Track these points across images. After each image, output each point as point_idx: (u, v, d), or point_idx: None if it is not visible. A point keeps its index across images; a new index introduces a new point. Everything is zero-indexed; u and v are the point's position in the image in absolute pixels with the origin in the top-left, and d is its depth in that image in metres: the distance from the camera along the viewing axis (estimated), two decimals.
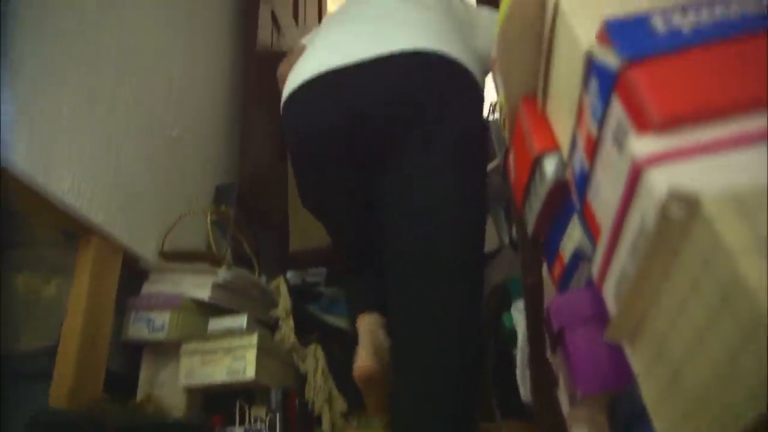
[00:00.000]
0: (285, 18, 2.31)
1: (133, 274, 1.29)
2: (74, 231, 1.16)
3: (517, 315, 1.02)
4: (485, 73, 1.23)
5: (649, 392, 0.41)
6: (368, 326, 1.14)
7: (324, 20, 1.37)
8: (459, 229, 1.00)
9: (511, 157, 0.73)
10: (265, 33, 2.08)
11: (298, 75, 1.19)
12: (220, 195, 1.65)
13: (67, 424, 0.87)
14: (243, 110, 1.92)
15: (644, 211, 0.38)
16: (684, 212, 0.30)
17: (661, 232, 0.32)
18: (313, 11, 2.79)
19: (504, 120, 0.76)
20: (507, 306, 1.14)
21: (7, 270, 1.24)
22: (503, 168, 1.15)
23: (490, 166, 1.18)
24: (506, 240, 1.13)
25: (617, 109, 0.42)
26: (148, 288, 1.29)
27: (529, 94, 0.63)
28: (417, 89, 1.08)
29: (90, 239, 1.16)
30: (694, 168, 0.36)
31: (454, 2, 1.33)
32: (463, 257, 1.00)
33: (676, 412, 0.37)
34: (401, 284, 1.05)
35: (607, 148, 0.45)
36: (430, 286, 1.01)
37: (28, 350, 1.14)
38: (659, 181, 0.35)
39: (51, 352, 1.08)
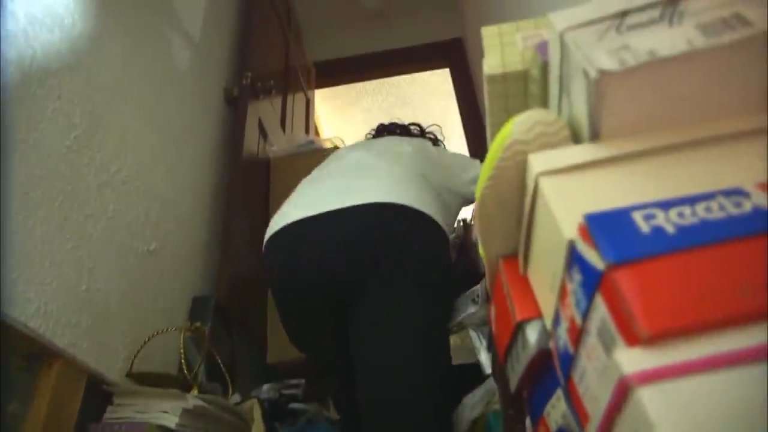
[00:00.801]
0: (272, 125, 2.35)
1: (98, 396, 1.22)
2: (37, 354, 1.10)
3: None
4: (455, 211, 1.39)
5: None
6: None
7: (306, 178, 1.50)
8: (421, 363, 1.09)
9: (492, 311, 0.71)
10: (251, 140, 2.11)
11: (270, 227, 1.33)
12: (196, 307, 1.61)
13: None
14: (225, 218, 1.92)
15: (635, 428, 0.36)
16: None
17: None
18: (300, 118, 2.86)
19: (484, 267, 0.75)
20: None
21: None
22: (484, 295, 1.14)
23: (473, 293, 1.16)
24: (488, 369, 1.10)
25: (602, 310, 0.40)
26: (111, 413, 1.22)
27: (509, 255, 0.62)
28: (375, 235, 1.17)
29: (52, 363, 1.10)
30: (684, 389, 0.34)
31: (428, 157, 1.43)
32: (425, 380, 1.08)
33: None
34: (370, 404, 1.12)
35: (593, 342, 0.43)
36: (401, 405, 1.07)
37: None
38: (652, 407, 0.33)
39: None
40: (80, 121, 1.26)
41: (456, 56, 3.47)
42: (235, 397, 1.46)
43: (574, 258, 0.43)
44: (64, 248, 1.15)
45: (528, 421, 0.76)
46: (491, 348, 1.09)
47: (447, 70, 3.65)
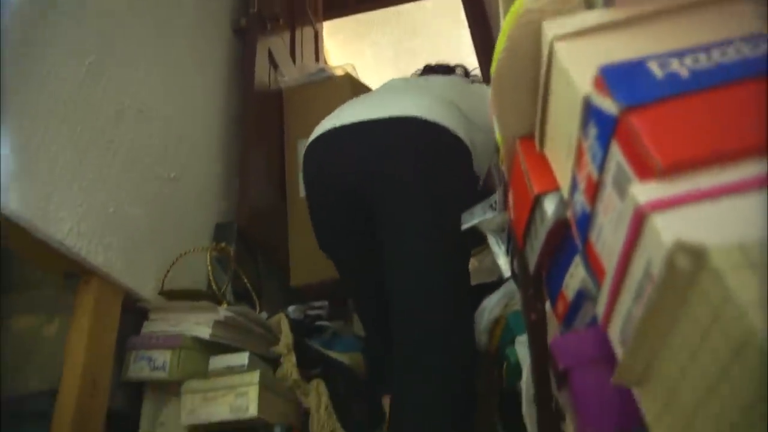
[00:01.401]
0: (282, 56, 2.34)
1: (133, 314, 1.29)
2: (75, 272, 1.16)
3: (521, 348, 1.01)
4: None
5: None
6: None
7: None
8: (442, 268, 1.20)
9: (510, 195, 0.73)
10: (262, 71, 2.11)
11: (311, 134, 1.45)
12: (219, 233, 1.65)
13: None
14: (241, 148, 1.94)
15: (649, 258, 0.38)
16: (691, 263, 0.30)
17: (667, 282, 0.32)
18: (309, 49, 2.83)
19: (502, 158, 0.77)
20: (510, 339, 1.13)
21: (8, 312, 1.23)
22: (503, 203, 1.16)
23: (491, 199, 1.19)
24: (507, 273, 1.13)
25: (617, 155, 0.42)
26: (148, 327, 1.28)
27: (526, 134, 0.63)
28: (402, 143, 1.28)
29: (90, 280, 1.16)
30: (699, 214, 0.36)
31: (461, 88, 1.54)
32: (446, 283, 1.20)
33: None
34: (399, 314, 1.22)
35: (609, 193, 0.45)
36: (423, 314, 1.19)
37: (29, 391, 1.13)
38: (665, 228, 0.35)
39: (52, 393, 1.07)
40: (93, 48, 1.27)
41: None
42: (263, 315, 1.52)
43: (589, 112, 0.45)
44: (90, 173, 1.19)
45: (548, 304, 0.80)
46: (509, 251, 1.12)
47: None
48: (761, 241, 0.28)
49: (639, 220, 0.38)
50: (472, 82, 1.75)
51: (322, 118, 1.70)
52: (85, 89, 1.22)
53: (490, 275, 1.40)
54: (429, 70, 1.84)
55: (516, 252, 0.77)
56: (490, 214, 1.18)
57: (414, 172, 1.26)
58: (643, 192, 0.38)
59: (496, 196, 1.20)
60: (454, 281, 1.24)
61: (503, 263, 1.18)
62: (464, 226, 1.21)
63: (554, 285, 0.71)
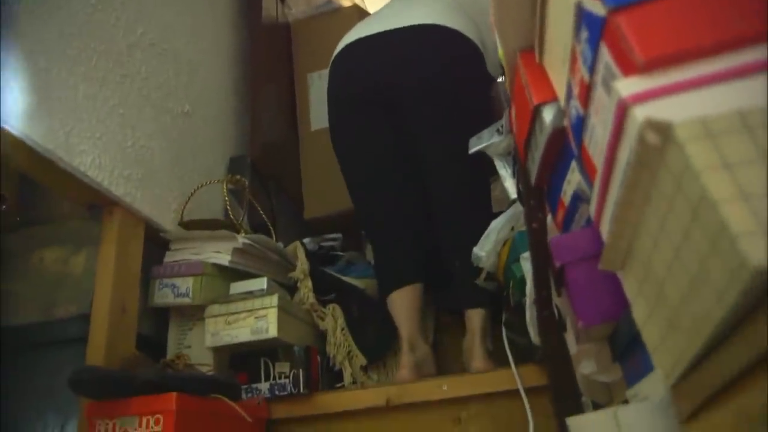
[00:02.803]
0: None
1: (155, 244, 1.34)
2: (98, 204, 1.21)
3: (525, 264, 1.06)
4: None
5: (639, 312, 0.45)
6: (406, 319, 1.41)
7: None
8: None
9: (513, 111, 0.76)
10: (269, 4, 2.09)
11: (343, 41, 1.55)
12: (233, 166, 1.69)
13: (105, 378, 0.93)
14: (251, 82, 1.95)
15: (630, 144, 0.42)
16: (659, 138, 0.33)
17: (640, 159, 0.36)
18: None
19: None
20: (516, 258, 1.18)
21: (38, 244, 1.30)
22: (508, 125, 1.18)
23: (497, 124, 1.21)
24: (513, 194, 1.17)
25: (605, 55, 0.45)
26: (170, 257, 1.34)
27: (527, 48, 0.66)
28: (424, 48, 1.44)
29: (113, 211, 1.21)
30: (674, 102, 0.39)
31: None
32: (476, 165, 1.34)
33: (662, 326, 0.41)
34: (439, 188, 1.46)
35: (599, 93, 0.48)
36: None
37: (64, 317, 1.20)
38: (641, 114, 0.39)
39: (85, 318, 1.14)
40: None
41: None
42: (279, 245, 1.58)
43: (581, 16, 0.48)
44: (107, 105, 1.22)
45: (549, 217, 0.84)
46: (515, 173, 1.16)
47: None
48: (720, 116, 0.32)
49: (622, 112, 0.41)
50: None
51: (332, 49, 1.73)
52: (96, 23, 1.23)
53: (500, 205, 1.44)
54: None
55: (518, 166, 0.80)
56: (496, 139, 1.21)
57: (438, 72, 1.44)
58: (626, 86, 0.41)
59: (503, 121, 1.23)
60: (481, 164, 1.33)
61: (510, 185, 1.21)
62: (472, 150, 1.24)
63: (554, 196, 0.75)
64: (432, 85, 1.44)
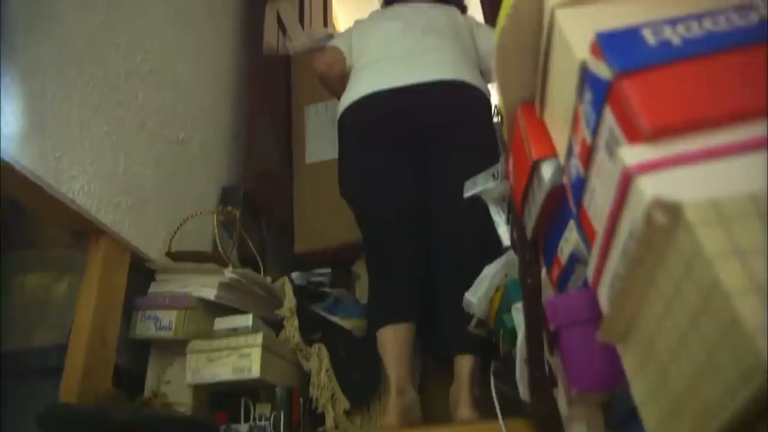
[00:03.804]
0: (291, 21, 2.33)
1: (140, 274, 1.31)
2: (84, 231, 1.18)
3: (517, 315, 1.03)
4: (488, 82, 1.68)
5: (639, 391, 0.43)
6: (397, 360, 1.35)
7: (362, 40, 1.76)
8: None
9: (510, 161, 0.75)
10: (271, 36, 2.10)
11: (356, 92, 1.59)
12: (226, 197, 1.67)
13: (77, 417, 0.89)
14: (249, 112, 1.95)
15: (634, 217, 0.40)
16: (667, 219, 0.31)
17: (647, 237, 0.34)
18: (318, 14, 2.82)
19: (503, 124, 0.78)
20: (508, 306, 1.15)
21: (21, 269, 1.27)
22: (503, 171, 1.17)
23: (493, 169, 1.20)
24: (507, 242, 1.15)
25: (609, 119, 0.43)
26: (155, 288, 1.31)
27: (527, 101, 0.65)
28: (452, 104, 1.55)
29: (99, 239, 1.18)
30: (681, 176, 0.38)
31: (461, 28, 1.77)
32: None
33: (662, 410, 0.39)
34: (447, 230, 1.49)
35: (601, 156, 0.47)
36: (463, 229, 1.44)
37: (40, 346, 1.16)
38: (647, 188, 0.37)
39: (62, 348, 1.11)
40: (103, 7, 1.27)
41: None
42: (267, 279, 1.55)
43: (585, 78, 0.46)
44: (101, 131, 1.20)
45: (544, 270, 0.81)
46: (510, 221, 1.14)
47: None
48: (733, 198, 0.30)
49: (626, 181, 0.40)
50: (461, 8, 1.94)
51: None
52: (96, 48, 1.23)
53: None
54: None
55: (514, 218, 0.79)
56: (491, 184, 1.19)
57: (468, 125, 1.54)
58: (631, 154, 0.39)
59: (499, 166, 1.21)
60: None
61: (503, 232, 1.19)
62: (466, 194, 1.23)
63: (550, 251, 0.73)
64: (455, 128, 1.54)
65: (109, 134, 1.23)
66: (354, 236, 1.77)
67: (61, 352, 1.12)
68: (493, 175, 1.22)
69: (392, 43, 1.70)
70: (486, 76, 1.71)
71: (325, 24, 2.96)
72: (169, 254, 1.37)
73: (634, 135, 0.40)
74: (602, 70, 0.43)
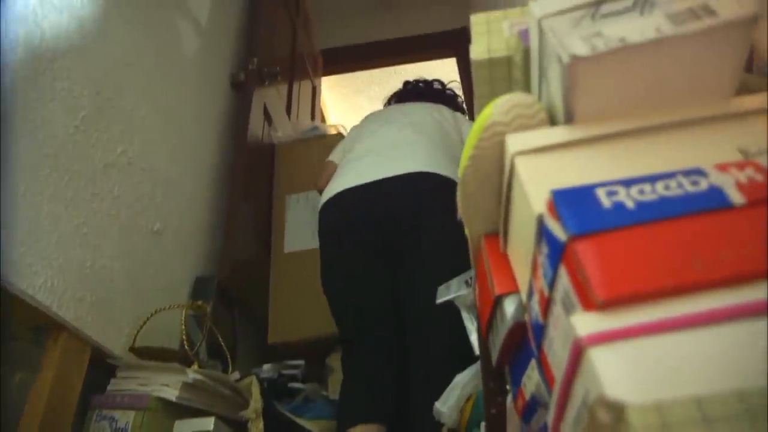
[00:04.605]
0: (277, 111, 2.38)
1: (101, 369, 1.27)
2: (44, 327, 1.14)
3: None
4: None
5: None
6: None
7: (350, 143, 1.85)
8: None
9: (476, 287, 0.74)
10: (256, 126, 2.14)
11: (329, 190, 1.64)
12: (198, 287, 1.65)
13: None
14: (229, 201, 1.95)
15: (584, 389, 0.39)
16: (611, 417, 0.30)
17: (592, 428, 0.32)
18: (306, 105, 2.89)
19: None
20: (477, 420, 1.12)
21: None
22: (474, 280, 1.16)
23: (466, 275, 1.19)
24: (477, 351, 1.13)
25: (564, 279, 0.43)
26: (114, 385, 1.26)
27: (491, 233, 0.65)
28: (418, 197, 1.55)
29: (58, 336, 1.14)
30: (633, 351, 0.37)
31: (446, 123, 1.82)
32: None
33: None
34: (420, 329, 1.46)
35: (558, 310, 0.46)
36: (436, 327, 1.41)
37: None
38: (597, 365, 0.36)
39: None
40: (87, 103, 1.29)
41: (463, 45, 3.47)
42: (235, 375, 1.50)
43: (542, 231, 0.46)
44: (71, 225, 1.19)
45: (509, 396, 0.79)
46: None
47: (454, 60, 3.66)
48: (679, 402, 0.29)
49: (578, 351, 0.39)
50: (452, 102, 2.05)
51: (314, 174, 1.79)
52: (75, 143, 1.23)
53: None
54: (409, 91, 2.06)
55: (480, 344, 0.77)
56: (464, 291, 1.19)
57: (435, 216, 1.53)
58: (584, 324, 0.39)
59: (472, 272, 1.21)
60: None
61: (475, 340, 1.17)
62: (439, 300, 1.21)
63: (515, 380, 0.71)
64: (421, 218, 1.55)
65: (81, 227, 1.21)
66: (329, 328, 1.75)
67: None
68: (467, 282, 1.21)
69: (371, 141, 1.74)
70: None
71: (313, 114, 3.03)
72: (133, 349, 1.32)
73: (588, 302, 0.40)
74: (557, 230, 0.43)
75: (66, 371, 1.14)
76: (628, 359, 0.36)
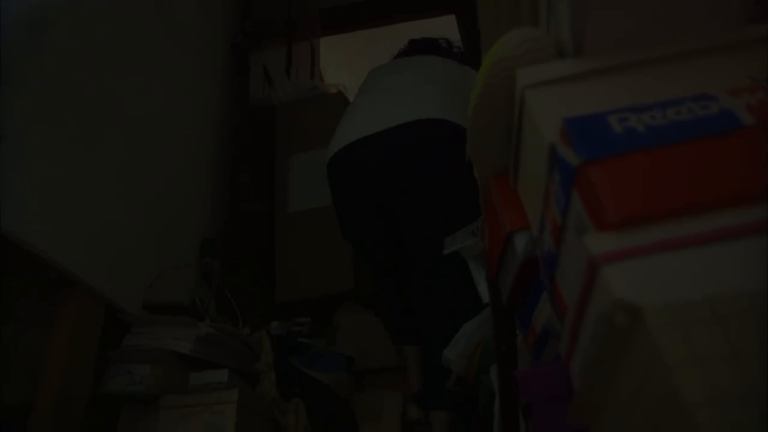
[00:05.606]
0: (277, 72, 2.36)
1: (115, 326, 1.29)
2: (57, 283, 1.16)
3: (495, 377, 1.03)
4: None
5: None
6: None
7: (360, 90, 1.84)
8: None
9: (486, 227, 0.75)
10: (256, 87, 2.13)
11: (338, 142, 1.63)
12: (206, 248, 1.66)
13: None
14: (232, 162, 1.95)
15: (599, 305, 0.40)
16: (628, 322, 0.31)
17: (609, 336, 0.34)
18: (305, 66, 2.86)
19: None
20: (488, 364, 1.14)
21: None
22: (481, 230, 1.17)
23: (472, 226, 1.20)
24: (487, 299, 1.14)
25: (577, 204, 0.44)
26: (129, 341, 1.28)
27: (501, 172, 0.66)
28: (424, 143, 1.55)
29: (73, 292, 1.16)
30: (646, 266, 0.38)
31: (454, 73, 1.79)
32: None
33: None
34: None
35: (571, 236, 0.47)
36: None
37: (3, 405, 1.12)
38: (612, 281, 0.37)
39: (25, 408, 1.07)
40: (87, 62, 1.28)
41: (462, 1, 3.43)
42: (245, 330, 1.53)
43: (555, 159, 0.47)
44: (80, 183, 1.20)
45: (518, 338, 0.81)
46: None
47: (454, 18, 3.61)
48: (692, 302, 0.30)
49: (592, 270, 0.40)
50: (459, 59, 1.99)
51: (315, 134, 1.78)
52: (77, 100, 1.23)
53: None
54: (415, 48, 2.03)
55: (489, 283, 0.79)
56: (471, 241, 1.20)
57: (434, 163, 1.54)
58: (596, 243, 0.40)
59: (479, 223, 1.22)
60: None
61: (483, 289, 1.19)
62: (446, 251, 1.23)
63: (525, 318, 0.73)
64: (429, 175, 1.55)
65: (89, 185, 1.23)
66: (335, 286, 1.77)
67: (24, 413, 1.08)
68: (473, 232, 1.22)
69: (370, 88, 1.76)
70: None
71: (312, 74, 3.00)
72: (145, 306, 1.35)
73: (600, 223, 0.41)
74: (570, 156, 0.44)
75: (82, 327, 1.16)
76: (641, 273, 0.37)
